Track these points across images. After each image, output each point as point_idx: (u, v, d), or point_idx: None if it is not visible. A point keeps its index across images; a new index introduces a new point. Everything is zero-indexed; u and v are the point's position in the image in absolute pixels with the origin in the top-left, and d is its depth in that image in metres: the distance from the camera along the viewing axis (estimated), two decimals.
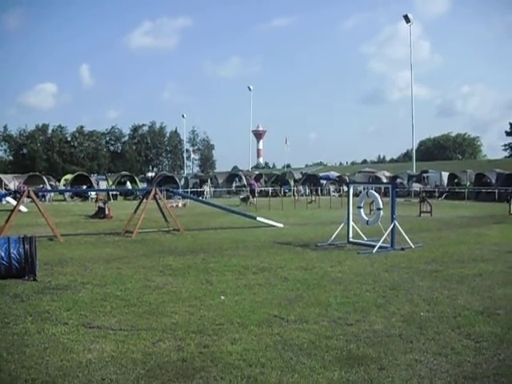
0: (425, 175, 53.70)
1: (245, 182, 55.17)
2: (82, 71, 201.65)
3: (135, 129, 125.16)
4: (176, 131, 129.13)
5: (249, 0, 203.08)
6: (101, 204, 27.89)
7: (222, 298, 8.49)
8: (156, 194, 19.57)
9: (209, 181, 55.23)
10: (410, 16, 66.03)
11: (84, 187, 46.95)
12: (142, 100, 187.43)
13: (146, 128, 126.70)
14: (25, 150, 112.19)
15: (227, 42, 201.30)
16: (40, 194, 36.15)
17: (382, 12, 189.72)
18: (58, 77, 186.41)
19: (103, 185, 51.16)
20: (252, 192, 40.34)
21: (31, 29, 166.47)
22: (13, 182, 46.58)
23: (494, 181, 44.90)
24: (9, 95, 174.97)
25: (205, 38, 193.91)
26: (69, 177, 54.82)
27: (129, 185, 50.60)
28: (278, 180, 59.04)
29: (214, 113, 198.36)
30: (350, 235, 15.23)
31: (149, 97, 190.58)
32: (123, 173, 61.52)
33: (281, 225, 20.77)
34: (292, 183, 55.93)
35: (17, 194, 25.92)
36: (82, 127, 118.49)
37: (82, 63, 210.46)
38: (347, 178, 55.36)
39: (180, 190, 44.19)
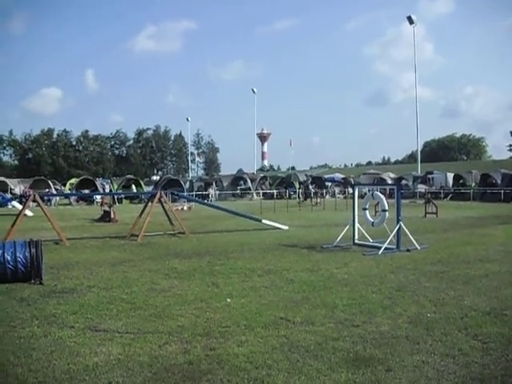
0: (430, 176, 53.56)
1: (250, 184, 55.15)
2: (87, 75, 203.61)
3: (140, 132, 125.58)
4: (180, 134, 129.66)
5: (251, 3, 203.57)
6: (106, 208, 27.95)
7: (228, 300, 8.48)
8: (161, 197, 19.59)
9: (214, 184, 55.16)
10: (413, 17, 65.96)
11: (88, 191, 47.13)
12: (147, 104, 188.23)
13: (150, 132, 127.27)
14: (30, 155, 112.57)
15: (230, 44, 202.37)
16: (45, 198, 36.28)
17: (385, 13, 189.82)
18: (63, 81, 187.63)
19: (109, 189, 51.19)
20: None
21: (35, 33, 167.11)
22: (18, 187, 46.74)
23: (499, 181, 44.74)
24: (13, 100, 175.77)
25: (208, 41, 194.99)
26: (74, 181, 54.88)
27: (134, 188, 50.66)
28: (283, 182, 59.00)
29: (218, 116, 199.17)
30: (356, 237, 15.20)
31: (153, 100, 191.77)
32: (128, 176, 61.65)
33: (286, 227, 20.73)
34: (297, 185, 55.85)
35: (22, 199, 26.07)
36: (86, 131, 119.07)
37: (86, 67, 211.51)
38: (352, 179, 55.30)
39: (185, 193, 44.22)
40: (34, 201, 18.08)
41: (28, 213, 24.84)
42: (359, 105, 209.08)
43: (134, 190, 49.61)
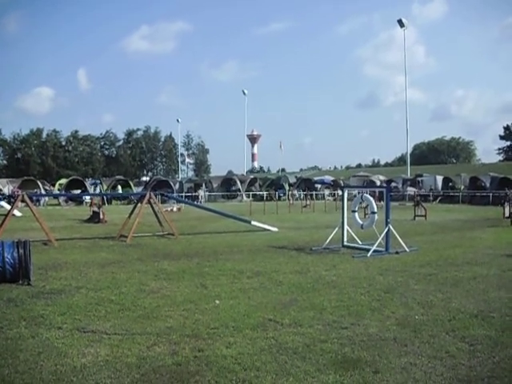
0: (419, 179, 53.88)
1: (239, 186, 55.17)
2: (79, 75, 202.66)
3: (130, 133, 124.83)
4: (171, 135, 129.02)
5: (246, 4, 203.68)
6: (95, 208, 27.84)
7: (217, 302, 8.47)
8: (151, 198, 19.55)
9: (203, 185, 55.20)
10: (404, 21, 66.43)
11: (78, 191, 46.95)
12: (138, 104, 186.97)
13: (140, 132, 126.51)
14: (19, 155, 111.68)
15: (224, 45, 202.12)
16: (34, 198, 36.09)
17: (379, 16, 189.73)
18: (55, 81, 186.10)
19: (119, 189, 50.71)
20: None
21: (29, 32, 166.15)
22: (7, 187, 46.43)
23: (488, 184, 45.09)
24: (5, 99, 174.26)
25: (202, 42, 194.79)
26: (63, 181, 54.61)
27: (119, 189, 50.37)
28: (273, 184, 59.07)
29: (209, 117, 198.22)
30: (345, 239, 15.24)
31: (145, 101, 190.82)
32: (118, 177, 61.43)
33: (275, 229, 20.77)
34: (287, 187, 55.93)
35: (11, 199, 25.89)
36: (76, 131, 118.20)
37: (79, 67, 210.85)
38: (342, 182, 55.50)
39: (175, 195, 44.14)
40: (23, 201, 17.97)
41: (16, 213, 24.72)
42: (351, 107, 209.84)
43: (120, 191, 49.31)
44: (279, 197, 49.44)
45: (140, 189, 54.19)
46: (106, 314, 7.70)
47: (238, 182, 56.41)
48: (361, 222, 15.66)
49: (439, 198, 46.58)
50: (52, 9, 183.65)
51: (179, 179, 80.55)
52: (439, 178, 51.47)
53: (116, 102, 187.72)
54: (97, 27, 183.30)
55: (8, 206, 25.87)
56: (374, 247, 13.75)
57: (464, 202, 43.70)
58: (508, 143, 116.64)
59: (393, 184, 52.81)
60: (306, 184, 57.62)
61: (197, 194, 51.01)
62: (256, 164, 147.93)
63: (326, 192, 53.66)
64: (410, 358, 5.75)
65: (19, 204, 19.68)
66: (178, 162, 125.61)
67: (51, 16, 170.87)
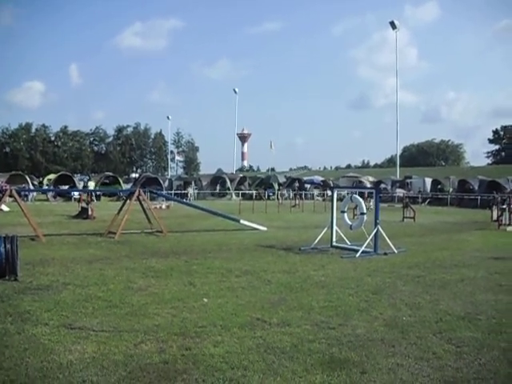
0: (408, 181, 54.06)
1: (229, 184, 55.15)
2: (71, 71, 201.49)
3: (120, 130, 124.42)
4: (161, 133, 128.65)
5: (240, 3, 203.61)
6: (84, 204, 27.71)
7: (205, 300, 8.45)
8: (140, 195, 19.48)
9: (193, 183, 55.09)
10: (396, 22, 66.55)
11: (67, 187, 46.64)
12: (129, 101, 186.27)
13: (130, 129, 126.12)
14: (7, 149, 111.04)
15: (217, 44, 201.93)
16: (22, 193, 35.84)
17: (372, 18, 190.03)
18: (47, 76, 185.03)
19: (90, 185, 50.04)
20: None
21: (22, 28, 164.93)
22: None
23: (476, 187, 45.37)
24: None
25: (195, 40, 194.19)
26: (52, 176, 54.23)
27: (92, 185, 49.41)
28: (263, 183, 59.08)
29: (200, 115, 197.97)
30: (334, 239, 15.27)
31: (136, 98, 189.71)
32: (107, 173, 61.16)
33: (264, 228, 20.76)
34: (276, 187, 55.96)
35: None
36: (65, 127, 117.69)
37: (71, 63, 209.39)
38: (331, 182, 55.60)
39: (164, 192, 44.00)
40: (11, 196, 17.85)
41: (4, 208, 24.58)
42: (342, 108, 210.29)
43: (91, 187, 48.34)
44: (268, 196, 49.47)
45: (129, 185, 53.98)
46: (94, 311, 7.66)
47: (228, 181, 56.42)
48: (350, 223, 15.70)
49: (428, 200, 46.80)
50: (46, 4, 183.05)
51: (168, 176, 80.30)
52: (428, 180, 51.67)
53: (107, 99, 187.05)
54: (90, 23, 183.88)
55: None
56: (363, 248, 13.78)
57: (452, 204, 43.93)
58: (497, 147, 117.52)
59: (382, 185, 52.92)
60: (296, 183, 57.69)
61: (186, 191, 50.93)
62: (246, 163, 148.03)
63: (316, 192, 53.80)
64: (397, 358, 5.77)
65: (7, 199, 19.54)
66: (167, 159, 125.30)
67: (45, 11, 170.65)
